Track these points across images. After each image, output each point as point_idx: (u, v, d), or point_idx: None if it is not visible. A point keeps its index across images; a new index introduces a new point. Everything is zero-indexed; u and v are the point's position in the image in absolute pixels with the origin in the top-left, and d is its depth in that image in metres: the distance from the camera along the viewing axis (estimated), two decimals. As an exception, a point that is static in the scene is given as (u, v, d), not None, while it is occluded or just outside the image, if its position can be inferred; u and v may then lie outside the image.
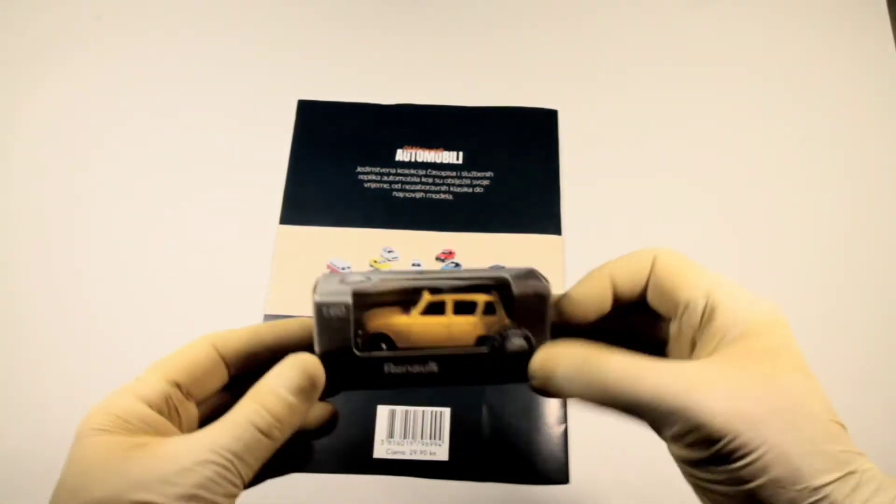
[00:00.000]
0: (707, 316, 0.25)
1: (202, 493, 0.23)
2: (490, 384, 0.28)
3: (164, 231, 0.52)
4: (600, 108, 0.58)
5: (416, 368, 0.27)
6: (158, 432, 0.25)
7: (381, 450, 0.45)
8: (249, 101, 0.58)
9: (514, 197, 0.54)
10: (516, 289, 0.26)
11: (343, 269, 0.51)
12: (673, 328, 0.27)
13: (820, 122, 0.58)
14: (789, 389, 0.24)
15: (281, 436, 0.25)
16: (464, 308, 0.27)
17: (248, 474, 0.24)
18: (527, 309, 0.27)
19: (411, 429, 0.46)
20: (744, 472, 0.22)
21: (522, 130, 0.57)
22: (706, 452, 0.23)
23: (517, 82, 0.59)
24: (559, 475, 0.45)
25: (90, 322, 0.49)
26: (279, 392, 0.25)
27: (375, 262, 0.51)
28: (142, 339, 0.49)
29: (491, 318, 0.27)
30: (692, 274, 0.26)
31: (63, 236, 0.52)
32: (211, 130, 0.56)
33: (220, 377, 0.28)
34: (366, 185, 0.54)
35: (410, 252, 0.51)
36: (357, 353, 0.26)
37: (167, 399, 0.26)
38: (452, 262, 0.51)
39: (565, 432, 0.46)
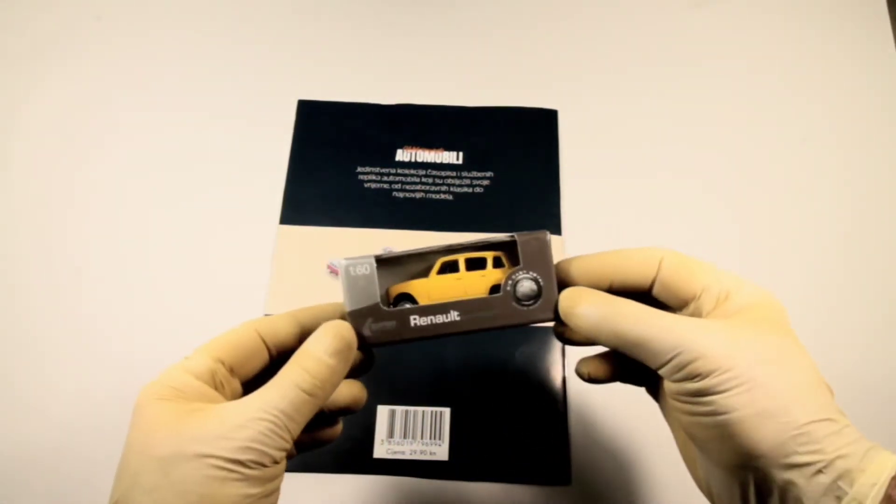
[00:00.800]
0: (722, 299, 0.28)
1: (256, 445, 0.25)
2: (510, 327, 0.30)
3: (165, 231, 0.52)
4: (600, 108, 0.58)
5: (440, 318, 0.29)
6: (209, 400, 0.27)
7: (381, 450, 0.45)
8: (249, 101, 0.58)
9: (514, 197, 0.54)
10: (519, 238, 0.30)
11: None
12: (684, 314, 0.30)
13: (820, 122, 0.58)
14: (783, 348, 0.26)
15: (323, 395, 0.27)
16: (475, 265, 0.31)
17: (295, 430, 0.26)
18: (530, 254, 0.30)
19: (411, 429, 0.46)
20: (733, 401, 0.25)
21: (522, 130, 0.57)
22: (700, 383, 0.25)
23: (517, 82, 0.59)
24: (560, 476, 0.45)
25: (90, 321, 0.49)
26: (318, 355, 0.28)
27: (375, 262, 0.51)
28: (142, 339, 0.49)
29: (500, 271, 0.30)
30: (703, 267, 0.29)
31: (63, 236, 0.52)
32: (211, 130, 0.56)
33: (262, 358, 0.30)
34: (366, 185, 0.54)
35: (410, 252, 0.51)
36: (384, 308, 0.29)
37: (214, 374, 0.28)
38: (452, 262, 0.51)
39: (565, 432, 0.46)
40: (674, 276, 0.29)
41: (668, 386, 0.27)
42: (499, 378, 0.47)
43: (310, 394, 0.27)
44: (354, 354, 0.29)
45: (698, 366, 0.25)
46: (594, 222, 0.53)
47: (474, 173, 0.55)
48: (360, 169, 0.55)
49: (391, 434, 0.45)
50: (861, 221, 0.54)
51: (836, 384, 0.48)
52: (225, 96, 0.58)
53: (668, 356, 0.26)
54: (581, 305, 0.28)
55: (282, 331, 0.30)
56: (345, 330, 0.29)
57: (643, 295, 0.30)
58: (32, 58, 0.59)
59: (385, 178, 0.54)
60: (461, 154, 0.55)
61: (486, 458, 0.45)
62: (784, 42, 0.61)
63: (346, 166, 0.55)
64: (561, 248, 0.52)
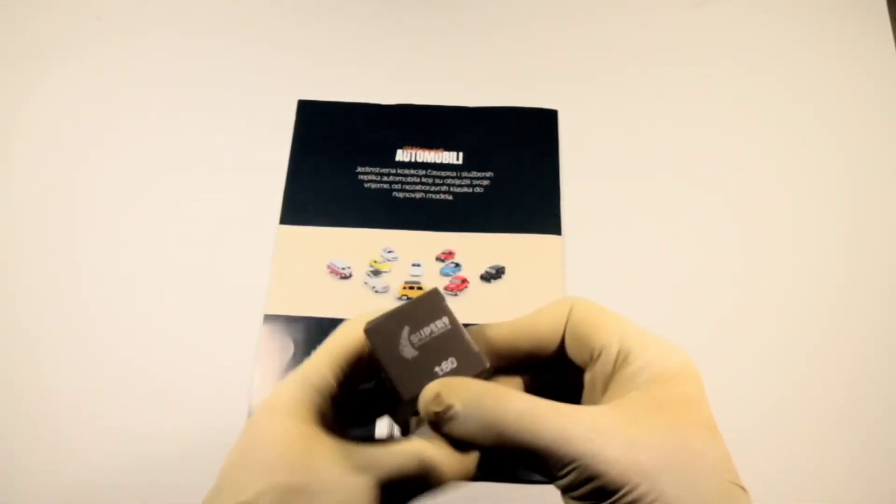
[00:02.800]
0: (620, 362, 0.25)
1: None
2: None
3: (164, 231, 0.52)
4: (600, 108, 0.58)
5: None
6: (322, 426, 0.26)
7: (381, 450, 0.45)
8: (249, 101, 0.58)
9: (514, 197, 0.54)
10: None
11: (343, 269, 0.51)
12: (587, 377, 0.27)
13: (820, 123, 0.58)
14: (691, 444, 0.23)
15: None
16: None
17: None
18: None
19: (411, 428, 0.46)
20: None
21: (522, 130, 0.57)
22: (601, 502, 0.22)
23: (517, 82, 0.59)
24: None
25: (90, 321, 0.49)
26: (469, 461, 0.26)
27: (375, 262, 0.51)
28: (142, 339, 0.49)
29: None
30: (607, 321, 0.26)
31: (63, 236, 0.52)
32: (211, 130, 0.56)
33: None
34: (366, 185, 0.54)
35: (410, 252, 0.51)
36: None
37: (331, 394, 0.27)
38: (452, 263, 0.51)
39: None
40: (577, 331, 0.26)
41: (564, 499, 0.24)
42: (498, 378, 0.47)
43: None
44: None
45: (598, 485, 0.22)
46: (594, 222, 0.53)
47: (474, 173, 0.55)
48: (360, 169, 0.55)
49: (391, 434, 0.45)
50: (861, 221, 0.54)
51: (836, 385, 0.48)
52: (225, 96, 0.58)
53: (564, 471, 0.23)
54: (456, 403, 0.24)
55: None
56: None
57: (559, 360, 0.27)
58: (32, 58, 0.59)
59: (385, 178, 0.54)
60: (461, 154, 0.55)
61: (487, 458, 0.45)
62: (784, 42, 0.61)
63: (346, 166, 0.55)
64: (561, 248, 0.52)
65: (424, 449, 0.25)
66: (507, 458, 0.24)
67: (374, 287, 0.50)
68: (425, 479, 0.25)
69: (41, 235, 0.52)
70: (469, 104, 0.58)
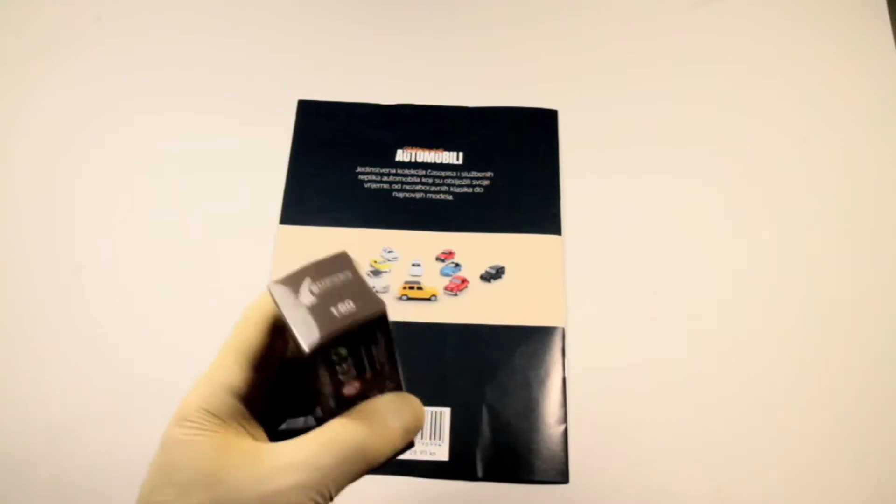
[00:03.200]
0: None
1: None
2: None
3: (165, 231, 0.52)
4: (600, 108, 0.58)
5: None
6: (245, 427, 0.25)
7: (381, 450, 0.45)
8: (249, 101, 0.58)
9: (514, 197, 0.54)
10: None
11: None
12: None
13: (820, 122, 0.58)
14: None
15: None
16: None
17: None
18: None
19: (411, 429, 0.46)
20: None
21: (522, 130, 0.57)
22: None
23: (517, 82, 0.59)
24: (559, 475, 0.45)
25: (90, 321, 0.49)
26: (394, 429, 0.26)
27: (376, 262, 0.51)
28: (142, 339, 0.49)
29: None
30: None
31: (63, 236, 0.52)
32: (211, 130, 0.56)
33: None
34: (366, 185, 0.54)
35: (410, 252, 0.51)
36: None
37: (249, 389, 0.26)
38: (452, 263, 0.51)
39: (565, 432, 0.46)
40: None
41: None
42: (499, 378, 0.47)
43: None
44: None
45: None
46: (594, 222, 0.53)
47: (474, 173, 0.55)
48: (360, 169, 0.55)
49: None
50: (861, 221, 0.54)
51: (837, 386, 0.48)
52: (225, 96, 0.58)
53: None
54: None
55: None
56: (421, 411, 0.28)
57: None
58: (32, 58, 0.59)
59: (385, 178, 0.54)
60: (461, 154, 0.55)
61: (486, 458, 0.45)
62: (784, 42, 0.61)
63: (346, 166, 0.55)
64: (561, 248, 0.52)
65: (343, 433, 0.25)
66: None
67: (374, 287, 0.50)
68: (351, 468, 0.25)
69: (40, 237, 0.52)
70: (469, 104, 0.58)
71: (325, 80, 0.58)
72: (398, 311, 0.49)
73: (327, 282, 0.25)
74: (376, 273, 0.50)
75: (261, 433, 0.26)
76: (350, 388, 0.26)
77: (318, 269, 0.25)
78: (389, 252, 0.51)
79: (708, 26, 0.62)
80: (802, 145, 0.57)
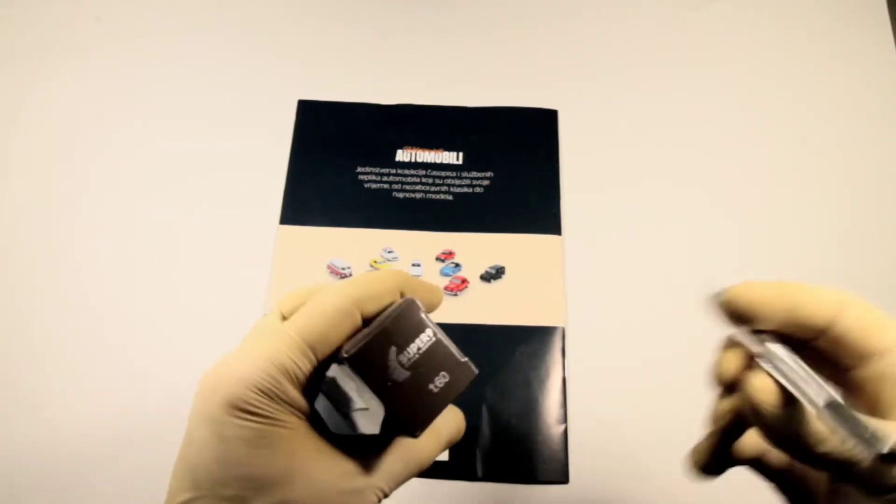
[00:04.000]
0: None
1: None
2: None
3: (165, 231, 0.52)
4: (600, 108, 0.58)
5: None
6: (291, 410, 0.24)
7: (381, 450, 0.45)
8: (249, 101, 0.58)
9: (514, 197, 0.54)
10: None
11: (343, 269, 0.51)
12: (855, 377, 0.25)
13: (820, 123, 0.58)
14: None
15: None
16: None
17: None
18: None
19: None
20: None
21: (522, 130, 0.57)
22: None
23: (517, 82, 0.59)
24: (559, 475, 0.45)
25: (90, 321, 0.49)
26: (443, 440, 0.29)
27: (375, 262, 0.51)
28: (142, 339, 0.49)
29: None
30: (892, 322, 0.25)
31: (63, 237, 0.52)
32: (211, 130, 0.56)
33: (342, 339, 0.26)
34: (366, 185, 0.54)
35: (410, 252, 0.51)
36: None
37: (299, 371, 0.24)
38: (452, 263, 0.51)
39: (565, 432, 0.46)
40: (861, 328, 0.24)
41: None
42: (499, 378, 0.47)
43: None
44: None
45: None
46: (594, 222, 0.53)
47: (474, 173, 0.55)
48: (360, 169, 0.55)
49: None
50: (862, 221, 0.54)
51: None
52: (225, 96, 0.58)
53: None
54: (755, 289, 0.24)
55: (384, 303, 0.26)
56: (462, 426, 0.32)
57: (799, 345, 0.25)
58: (32, 58, 0.59)
59: (385, 178, 0.54)
60: (461, 154, 0.55)
61: (486, 458, 0.45)
62: (784, 42, 0.61)
63: (346, 166, 0.55)
64: (561, 248, 0.52)
65: (410, 442, 0.27)
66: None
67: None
68: (411, 471, 0.27)
69: (40, 237, 0.52)
70: (469, 104, 0.58)
71: (325, 80, 0.58)
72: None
73: (414, 349, 0.25)
74: (376, 273, 0.50)
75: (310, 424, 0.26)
76: None
77: (399, 334, 0.25)
78: (389, 252, 0.51)
79: (708, 26, 0.62)
80: (802, 145, 0.57)
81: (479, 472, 0.45)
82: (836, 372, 0.25)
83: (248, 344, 0.25)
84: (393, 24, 0.62)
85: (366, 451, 0.25)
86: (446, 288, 0.50)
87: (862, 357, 0.24)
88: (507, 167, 0.55)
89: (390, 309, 0.25)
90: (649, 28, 0.62)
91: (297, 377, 0.24)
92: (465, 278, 0.50)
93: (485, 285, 0.50)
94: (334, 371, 0.25)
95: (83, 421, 0.46)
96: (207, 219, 0.53)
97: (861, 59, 0.60)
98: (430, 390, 0.24)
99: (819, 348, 0.25)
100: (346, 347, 0.24)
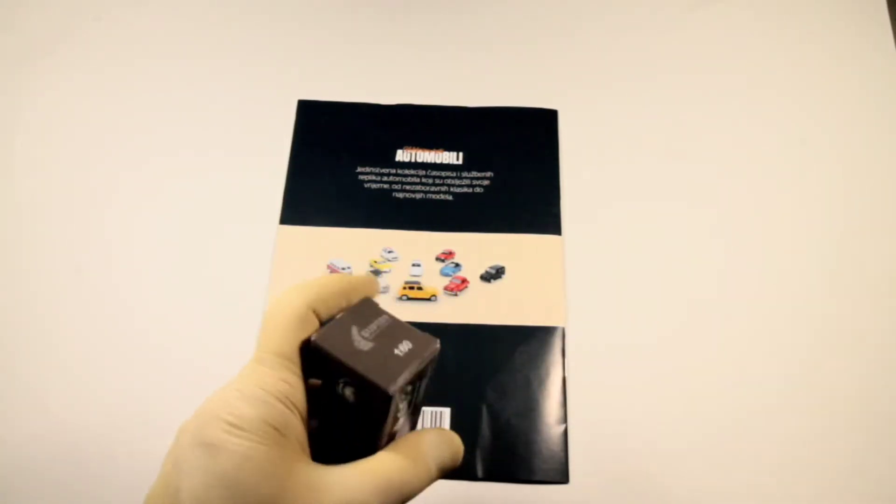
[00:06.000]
0: None
1: None
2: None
3: (164, 231, 0.52)
4: (600, 108, 0.58)
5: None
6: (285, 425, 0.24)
7: (381, 450, 0.45)
8: (249, 101, 0.58)
9: (514, 197, 0.54)
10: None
11: (343, 269, 0.51)
12: None
13: (820, 123, 0.58)
14: None
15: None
16: None
17: None
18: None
19: (411, 429, 0.46)
20: None
21: (522, 130, 0.57)
22: None
23: (517, 82, 0.59)
24: (559, 475, 0.45)
25: (90, 321, 0.49)
26: (431, 466, 0.26)
27: (375, 262, 0.51)
28: (142, 339, 0.49)
29: None
30: None
31: (63, 237, 0.52)
32: (211, 130, 0.56)
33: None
34: (366, 185, 0.54)
35: (410, 252, 0.51)
36: None
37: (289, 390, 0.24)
38: (452, 263, 0.51)
39: (565, 432, 0.46)
40: None
41: None
42: (499, 378, 0.47)
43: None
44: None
45: None
46: (594, 222, 0.53)
47: (474, 173, 0.55)
48: (360, 169, 0.55)
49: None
50: (862, 221, 0.54)
51: (839, 387, 0.48)
52: (225, 96, 0.58)
53: None
54: None
55: (333, 306, 0.27)
56: (460, 448, 0.28)
57: None
58: (32, 58, 0.59)
59: (385, 179, 0.54)
60: (461, 154, 0.55)
61: (486, 458, 0.45)
62: (784, 42, 0.61)
63: (346, 166, 0.55)
64: (561, 248, 0.52)
65: (392, 472, 0.25)
66: None
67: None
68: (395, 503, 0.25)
69: (41, 237, 0.52)
70: (469, 104, 0.58)
71: (325, 80, 0.59)
72: (398, 312, 0.49)
73: (374, 327, 0.26)
74: (376, 273, 0.50)
75: (307, 449, 0.25)
76: (399, 423, 0.27)
77: (358, 318, 0.26)
78: (389, 252, 0.51)
79: (708, 27, 0.62)
80: (801, 146, 0.57)
81: (479, 473, 0.45)
82: None
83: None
84: (393, 24, 0.62)
85: (354, 487, 0.24)
86: (446, 288, 0.50)
87: None
88: (507, 167, 0.55)
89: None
90: (649, 28, 0.62)
91: (290, 400, 0.24)
92: (465, 278, 0.50)
93: (485, 285, 0.50)
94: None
95: (84, 420, 0.46)
96: (207, 219, 0.53)
97: (861, 59, 0.60)
98: (396, 354, 0.25)
99: None
100: (312, 338, 0.25)
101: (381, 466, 0.25)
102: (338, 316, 0.26)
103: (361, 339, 0.25)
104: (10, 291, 0.50)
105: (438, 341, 0.26)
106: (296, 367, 0.25)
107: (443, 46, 0.61)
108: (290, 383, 0.24)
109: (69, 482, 0.44)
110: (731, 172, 0.55)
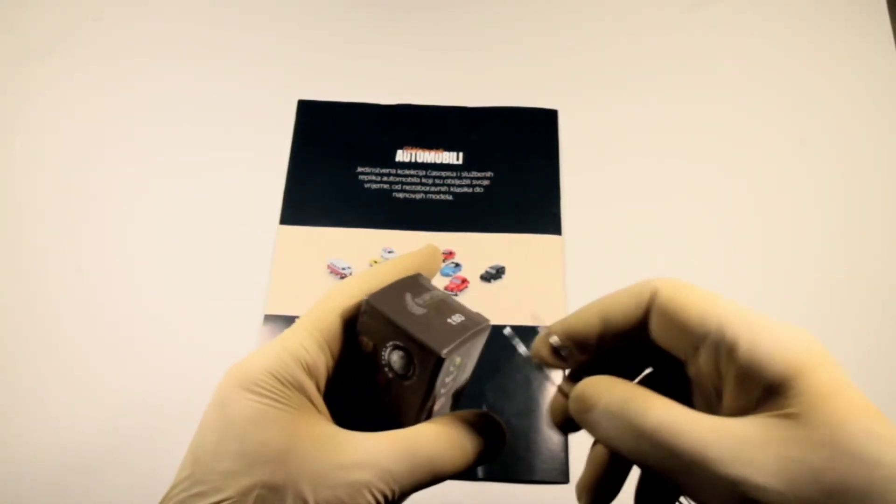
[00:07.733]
0: (726, 357, 0.22)
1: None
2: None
3: (165, 231, 0.52)
4: (600, 108, 0.58)
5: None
6: (305, 398, 0.24)
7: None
8: (249, 101, 0.58)
9: (514, 197, 0.54)
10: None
11: (343, 269, 0.51)
12: (691, 371, 0.24)
13: (820, 123, 0.58)
14: (857, 455, 0.20)
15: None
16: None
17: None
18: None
19: (411, 429, 0.46)
20: None
21: (522, 130, 0.57)
22: None
23: (517, 82, 0.59)
24: (559, 475, 0.45)
25: (91, 322, 0.49)
26: (469, 449, 0.25)
27: (375, 262, 0.51)
28: (143, 339, 0.49)
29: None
30: (701, 306, 0.23)
31: (63, 237, 0.52)
32: (211, 130, 0.56)
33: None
34: (366, 185, 0.54)
35: (410, 252, 0.51)
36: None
37: (315, 366, 0.25)
38: (453, 263, 0.51)
39: (565, 432, 0.46)
40: (667, 316, 0.24)
41: None
42: (499, 378, 0.47)
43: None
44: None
45: None
46: (594, 222, 0.53)
47: (474, 173, 0.55)
48: (360, 169, 0.55)
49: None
50: (861, 221, 0.54)
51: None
52: (225, 96, 0.58)
53: (707, 491, 0.20)
54: (599, 405, 0.22)
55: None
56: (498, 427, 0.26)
57: (649, 350, 0.25)
58: (32, 58, 0.59)
59: (385, 179, 0.54)
60: (461, 154, 0.55)
61: (486, 458, 0.45)
62: (784, 42, 0.61)
63: (346, 166, 0.55)
64: (561, 248, 0.52)
65: (422, 444, 0.24)
66: (649, 470, 0.22)
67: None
68: (421, 479, 0.24)
69: (41, 238, 0.52)
70: (469, 104, 0.58)
71: (325, 80, 0.58)
72: (398, 311, 0.49)
73: (427, 296, 0.26)
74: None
75: (326, 414, 0.25)
76: (439, 403, 0.27)
77: (412, 287, 0.26)
78: (389, 252, 0.51)
79: (707, 27, 0.62)
80: (802, 146, 0.57)
81: (479, 472, 0.45)
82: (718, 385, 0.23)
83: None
84: (393, 24, 0.62)
85: (373, 449, 0.24)
86: (447, 288, 0.50)
87: (684, 356, 0.24)
88: (507, 167, 0.55)
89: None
90: (649, 28, 0.62)
91: (307, 364, 0.24)
92: (465, 278, 0.50)
93: (485, 285, 0.50)
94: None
95: (84, 421, 0.46)
96: (208, 219, 0.53)
97: (861, 59, 0.60)
98: (448, 322, 0.25)
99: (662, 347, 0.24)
100: (367, 298, 0.25)
101: (412, 435, 0.24)
102: (392, 282, 0.26)
103: (415, 305, 0.25)
104: (10, 291, 0.50)
105: (490, 321, 0.26)
106: (323, 339, 0.25)
107: (443, 46, 0.61)
108: (309, 351, 0.24)
109: (69, 482, 0.44)
110: (731, 172, 0.55)
